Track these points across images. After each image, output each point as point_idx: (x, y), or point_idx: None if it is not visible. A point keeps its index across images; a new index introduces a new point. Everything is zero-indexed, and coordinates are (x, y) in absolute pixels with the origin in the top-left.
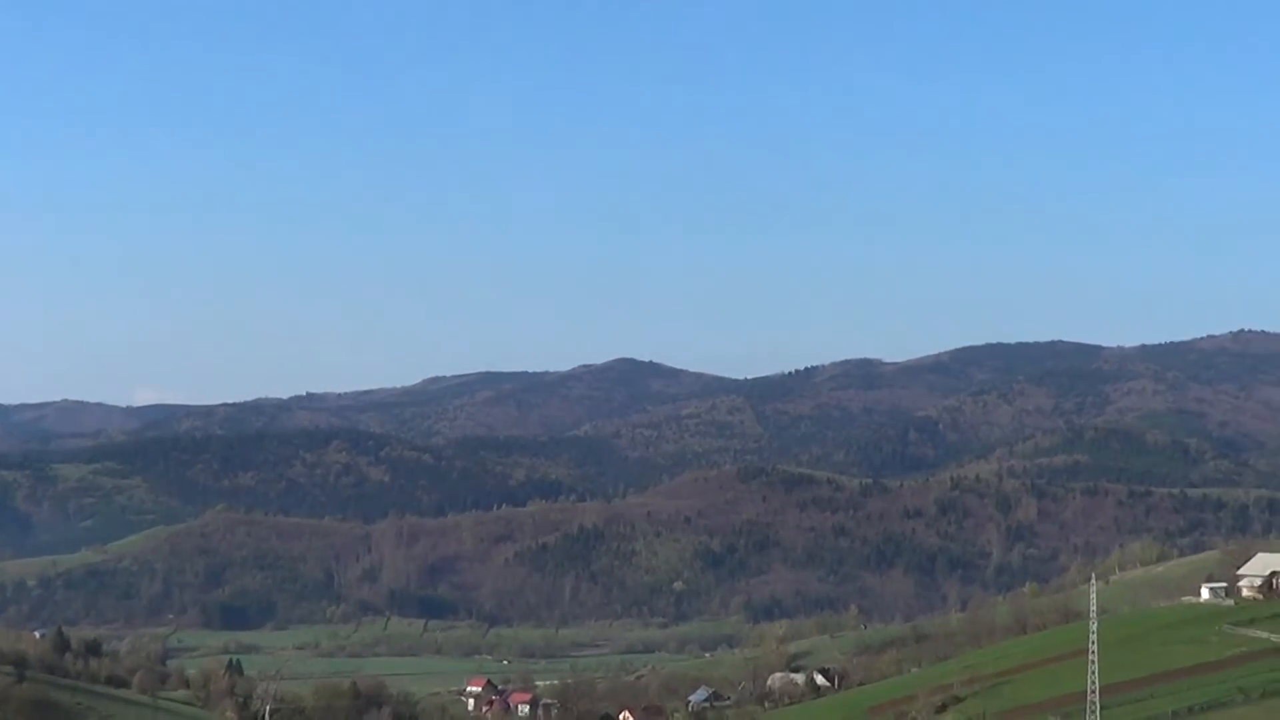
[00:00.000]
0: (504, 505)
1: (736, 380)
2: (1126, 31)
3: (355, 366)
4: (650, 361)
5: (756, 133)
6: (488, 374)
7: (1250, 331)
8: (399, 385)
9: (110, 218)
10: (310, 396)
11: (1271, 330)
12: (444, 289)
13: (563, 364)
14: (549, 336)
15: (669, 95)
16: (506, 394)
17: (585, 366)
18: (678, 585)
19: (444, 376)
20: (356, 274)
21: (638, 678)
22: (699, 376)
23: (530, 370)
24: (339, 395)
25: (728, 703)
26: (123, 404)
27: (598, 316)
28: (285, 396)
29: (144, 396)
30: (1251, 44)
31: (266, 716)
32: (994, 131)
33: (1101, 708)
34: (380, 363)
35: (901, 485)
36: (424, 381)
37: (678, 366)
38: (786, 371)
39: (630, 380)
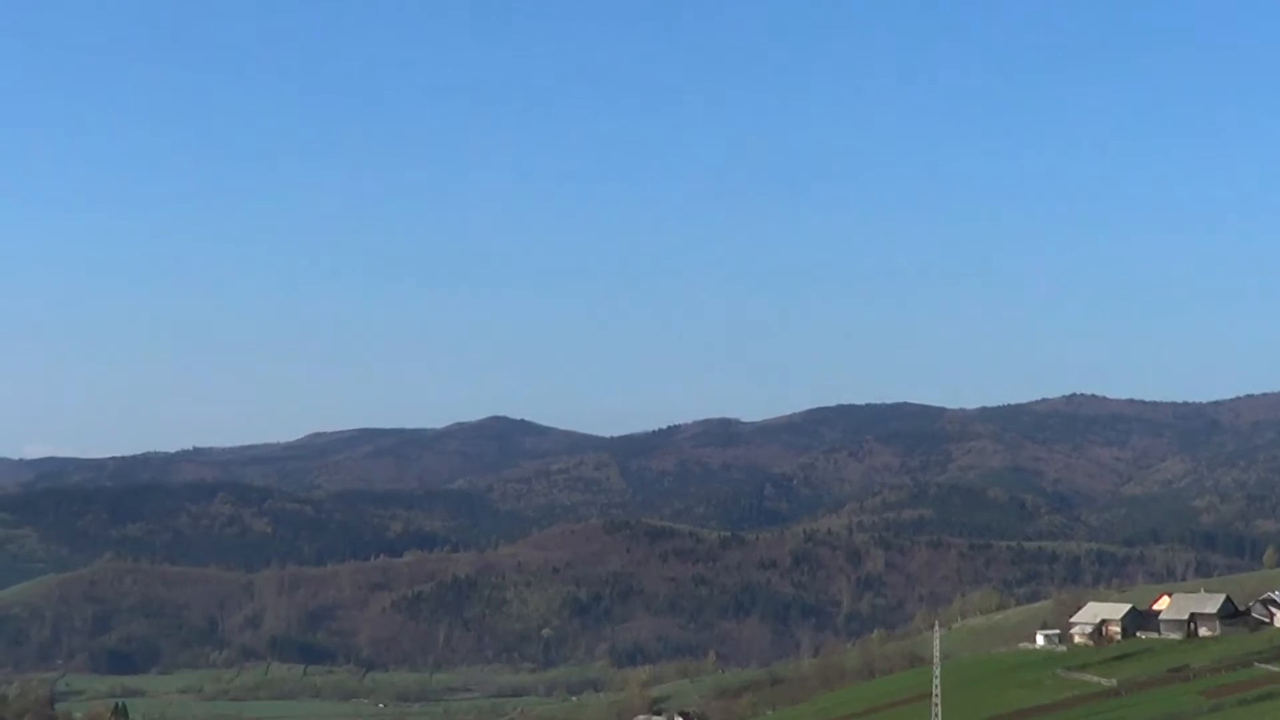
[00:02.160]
0: (382, 555)
1: (603, 438)
2: (960, 111)
3: (240, 422)
4: (522, 419)
5: (616, 197)
6: (367, 430)
7: (1081, 395)
8: (282, 440)
9: None
10: (197, 450)
11: (1100, 394)
12: (326, 347)
13: (439, 421)
14: (426, 395)
15: (535, 156)
16: (385, 449)
17: (460, 424)
18: (546, 632)
19: (325, 432)
20: (241, 333)
21: None
22: (568, 434)
23: (408, 427)
24: (224, 449)
25: None
26: (15, 456)
27: (472, 376)
28: (173, 450)
29: (36, 450)
30: (1069, 120)
31: None
32: (841, 204)
33: None
34: (264, 418)
35: (758, 538)
36: (306, 437)
37: (548, 424)
38: (650, 430)
39: (503, 437)
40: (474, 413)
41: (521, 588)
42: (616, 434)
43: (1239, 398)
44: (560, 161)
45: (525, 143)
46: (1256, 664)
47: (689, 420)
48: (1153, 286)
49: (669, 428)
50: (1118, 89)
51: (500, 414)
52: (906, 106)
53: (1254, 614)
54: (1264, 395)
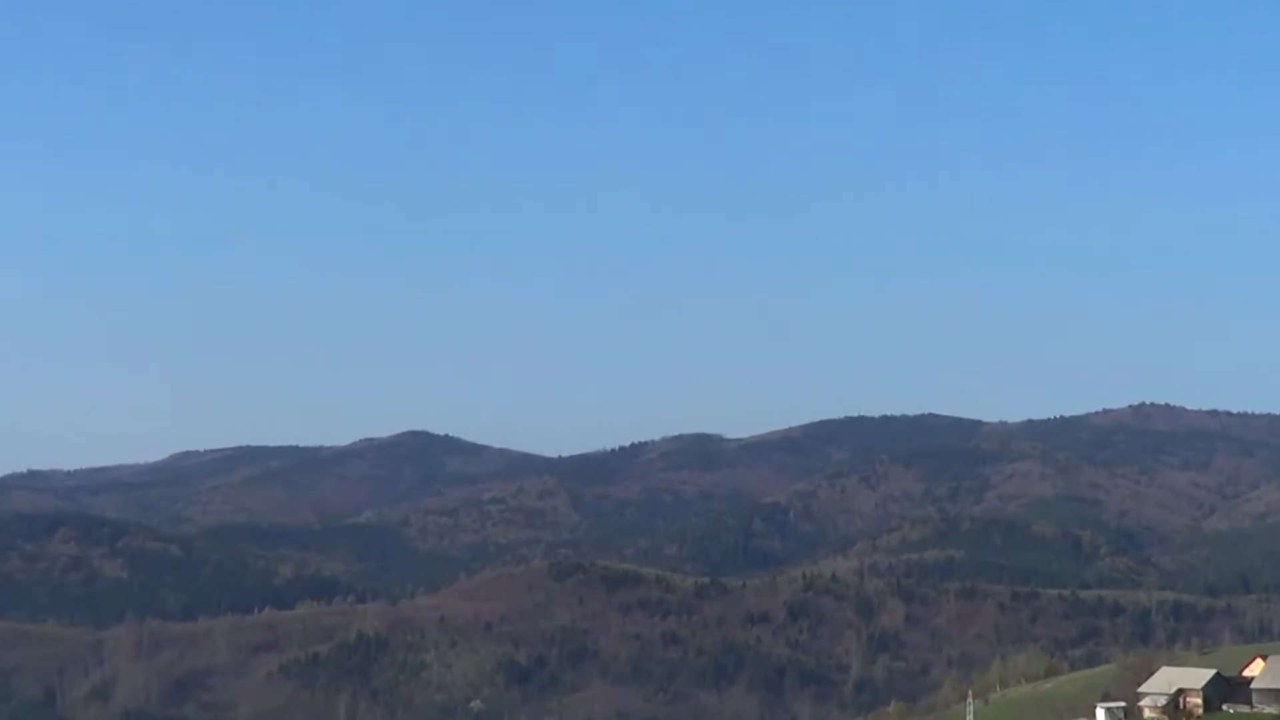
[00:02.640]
0: (267, 607)
1: (549, 459)
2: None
3: (88, 439)
4: (446, 435)
5: (574, 178)
6: (249, 448)
7: (1152, 405)
8: (141, 462)
9: None
10: (32, 475)
11: (1176, 404)
12: (196, 348)
13: (340, 437)
14: (325, 404)
15: (480, 150)
16: (272, 473)
17: (368, 440)
18: (475, 705)
19: (196, 451)
20: (90, 330)
21: None
22: (504, 454)
23: (301, 444)
24: (67, 473)
25: None
26: None
27: (384, 382)
28: (1, 474)
29: None
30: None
31: None
32: (851, 172)
33: None
34: (119, 435)
35: (744, 585)
36: (172, 457)
37: (479, 442)
38: (609, 449)
39: (422, 457)
40: (385, 427)
41: (445, 649)
42: (566, 454)
43: None
44: (514, 144)
45: (477, 132)
46: None
47: (658, 437)
48: (1238, 271)
49: (632, 446)
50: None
51: (419, 428)
52: (920, 96)
53: None
54: None
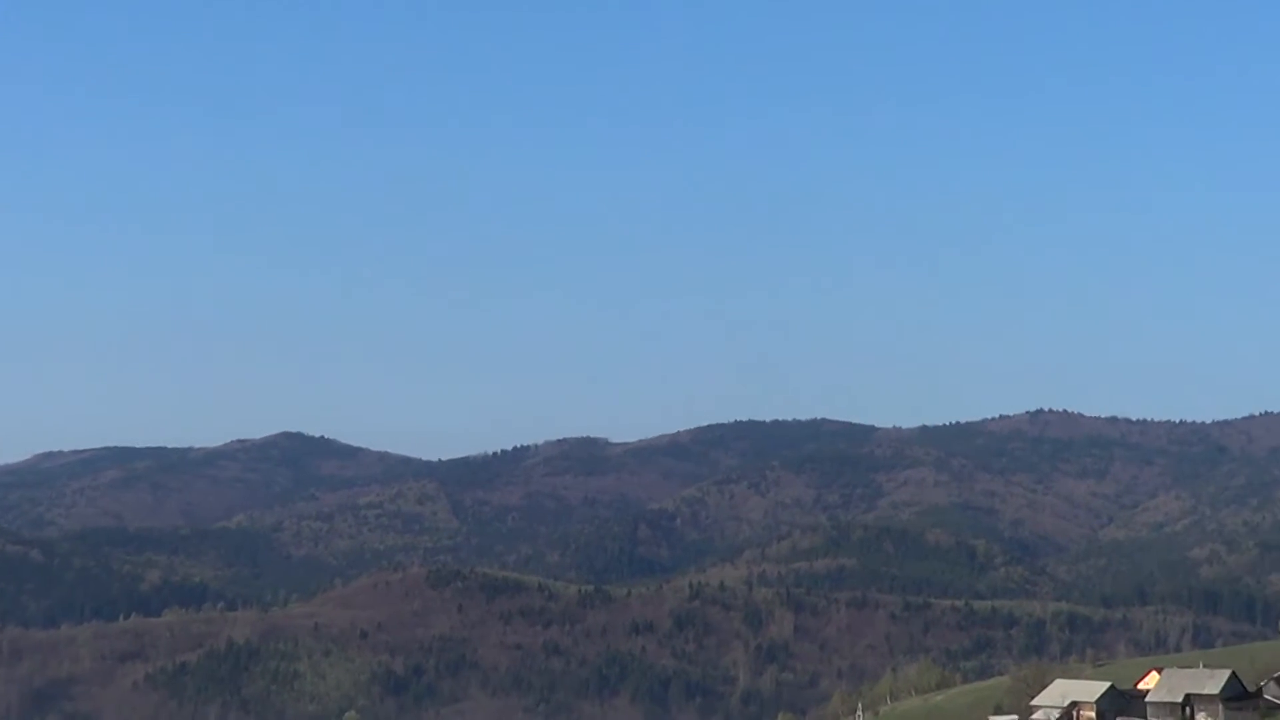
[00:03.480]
0: (133, 614)
1: (428, 462)
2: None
3: None
4: (321, 437)
5: (452, 169)
6: (115, 449)
7: (1050, 412)
8: (1, 462)
9: None
10: None
11: (1074, 411)
12: (60, 345)
13: (211, 438)
14: (195, 404)
15: (361, 141)
16: (139, 474)
17: (240, 442)
18: (350, 716)
19: (60, 452)
20: None
21: None
22: (382, 457)
23: (169, 445)
24: None
25: None
26: None
27: (256, 381)
28: None
29: None
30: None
31: None
32: (744, 172)
33: None
34: None
35: (629, 594)
36: (34, 458)
37: (355, 444)
38: (490, 452)
39: (296, 460)
40: (258, 428)
41: (319, 658)
42: (446, 457)
43: (1251, 416)
44: (388, 136)
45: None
46: None
47: (541, 440)
48: (1138, 277)
49: (515, 450)
50: (1115, 85)
51: (293, 429)
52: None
53: (1266, 695)
54: None
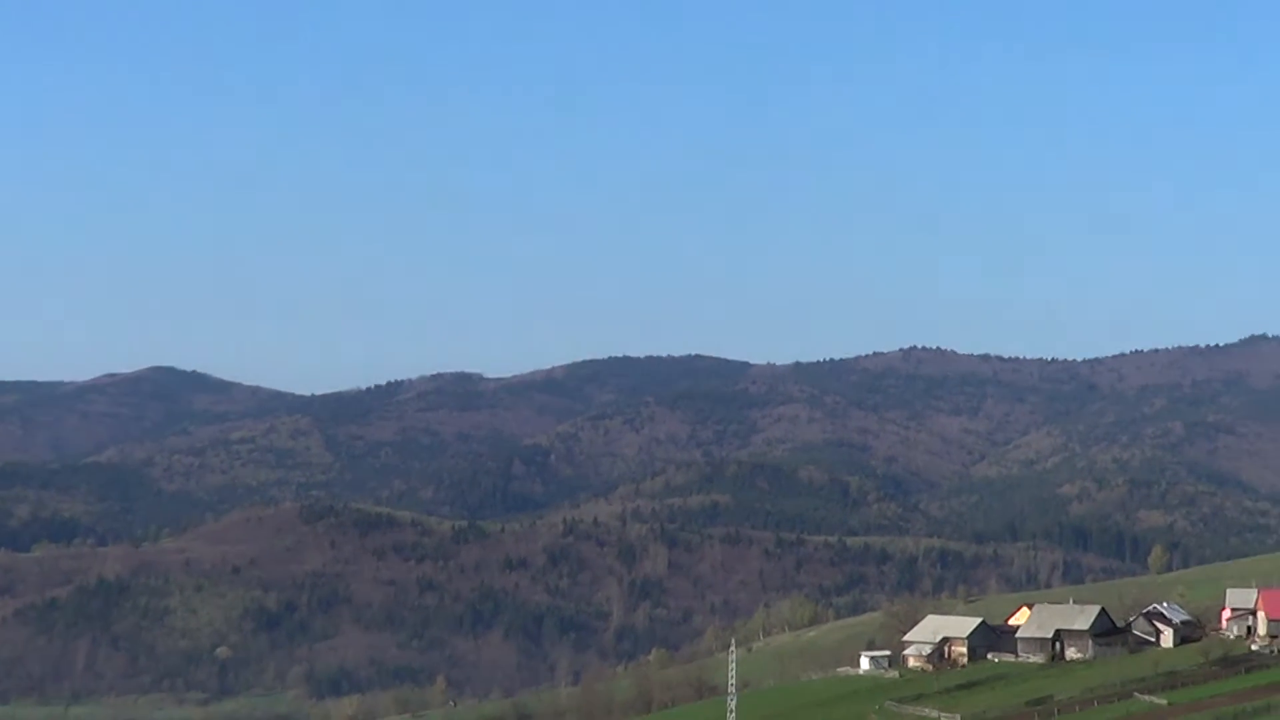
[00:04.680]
0: (2, 549)
1: (302, 397)
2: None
3: None
4: (194, 372)
5: (329, 113)
6: None
7: (923, 349)
8: None
9: None
10: None
11: (947, 348)
12: None
13: (81, 372)
14: (63, 337)
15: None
16: (7, 408)
17: (110, 376)
18: (222, 652)
19: None
20: None
21: None
22: (254, 391)
23: (39, 380)
24: None
25: None
26: None
27: (126, 314)
28: None
29: None
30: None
31: None
32: (620, 116)
33: None
34: None
35: (503, 529)
36: None
37: (228, 379)
38: (364, 387)
39: (168, 394)
40: (129, 362)
41: (190, 594)
42: (319, 392)
43: (1122, 355)
44: (284, 79)
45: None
46: (1137, 694)
47: (415, 376)
48: (1012, 217)
49: (388, 385)
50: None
51: (164, 364)
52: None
53: (1135, 631)
54: (1153, 352)
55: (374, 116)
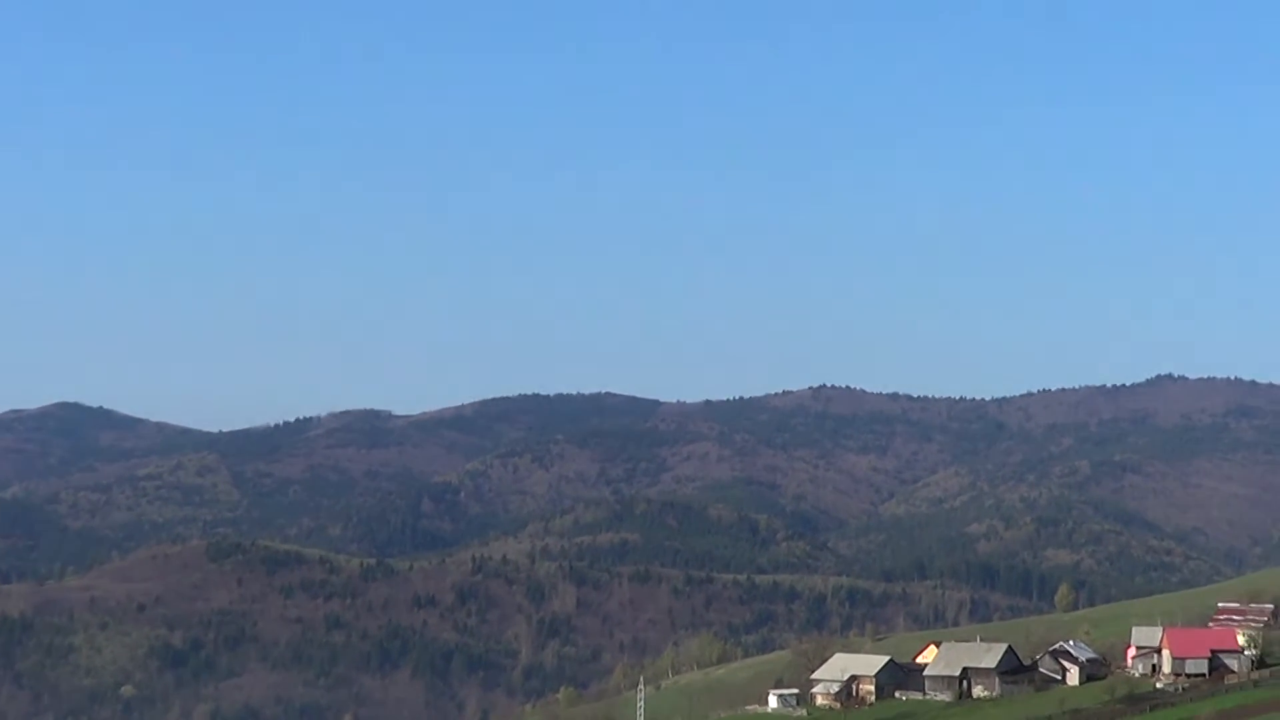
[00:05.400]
0: None
1: (209, 434)
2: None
3: None
4: (100, 408)
5: (237, 147)
6: None
7: (832, 388)
8: None
9: None
10: None
11: (856, 386)
12: None
13: None
14: None
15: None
16: None
17: (15, 412)
18: (127, 690)
19: None
20: None
21: None
22: (161, 428)
23: None
24: None
25: None
26: None
27: (31, 350)
28: None
29: None
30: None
31: None
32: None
33: None
34: None
35: (411, 567)
36: None
37: (135, 415)
38: (272, 424)
39: (73, 430)
40: (34, 398)
41: (95, 631)
42: (227, 428)
43: (1030, 394)
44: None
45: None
46: None
47: (324, 413)
48: (919, 255)
49: (297, 422)
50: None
51: (70, 400)
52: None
53: (1042, 669)
54: (1061, 392)
55: (282, 151)
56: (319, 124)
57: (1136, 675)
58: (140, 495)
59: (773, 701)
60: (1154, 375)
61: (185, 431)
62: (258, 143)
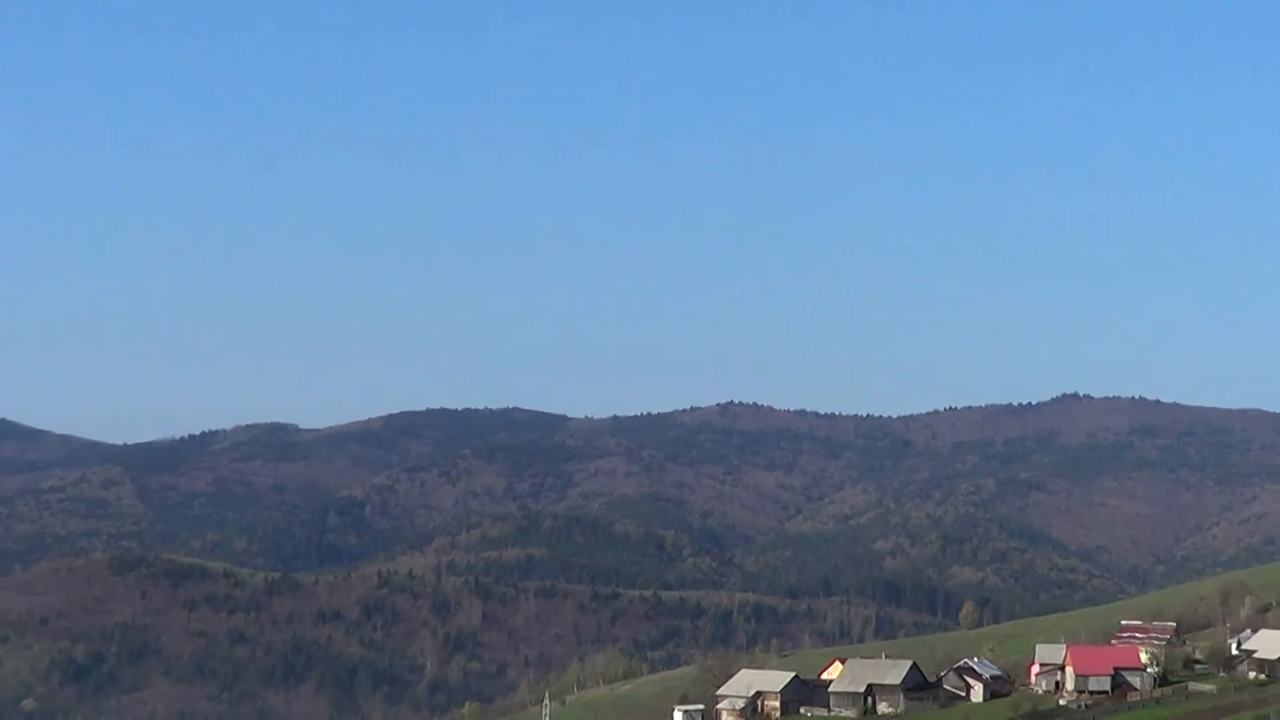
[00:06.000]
0: None
1: (113, 446)
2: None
3: None
4: (4, 420)
5: (143, 156)
6: None
7: (740, 404)
8: None
9: None
10: None
11: (764, 403)
12: None
13: None
14: None
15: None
16: None
17: None
18: (28, 704)
19: None
20: None
21: None
22: (65, 440)
23: None
24: None
25: None
26: None
27: None
28: None
29: None
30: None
31: None
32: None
33: None
34: None
35: (317, 581)
36: None
37: (37, 426)
38: (177, 437)
39: None
40: None
41: None
42: (132, 441)
43: (936, 412)
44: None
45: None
46: None
47: (230, 425)
48: (829, 276)
49: (203, 434)
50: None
51: None
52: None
53: (946, 685)
54: (967, 409)
55: (187, 164)
56: (213, 128)
57: (1040, 692)
58: (43, 508)
59: (678, 717)
60: (1059, 394)
61: (90, 444)
62: (163, 146)
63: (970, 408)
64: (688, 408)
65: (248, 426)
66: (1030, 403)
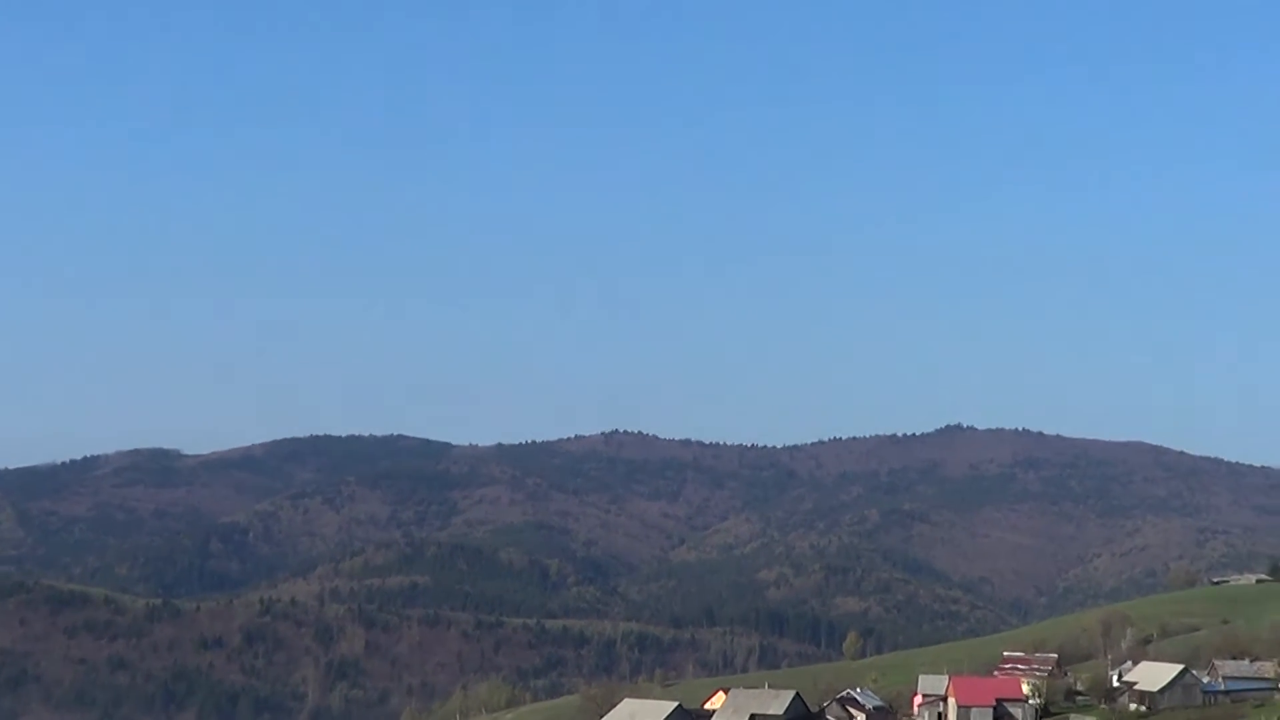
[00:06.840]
0: None
1: None
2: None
3: None
4: None
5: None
6: None
7: (625, 433)
8: None
9: None
10: None
11: (648, 432)
12: None
13: None
14: None
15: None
16: None
17: None
18: None
19: None
20: None
21: None
22: None
23: None
24: None
25: None
26: None
27: None
28: None
29: None
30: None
31: None
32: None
33: None
34: None
35: (199, 608)
36: None
37: None
38: (58, 462)
39: None
40: None
41: None
42: (11, 465)
43: (821, 442)
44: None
45: None
46: None
47: (111, 450)
48: (714, 305)
49: (84, 459)
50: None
51: None
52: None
53: (829, 716)
54: (852, 440)
55: (77, 175)
56: (113, 143)
57: None
58: None
59: None
60: (943, 425)
61: None
62: (57, 160)
63: (855, 438)
64: (572, 436)
65: (130, 452)
66: (914, 434)
